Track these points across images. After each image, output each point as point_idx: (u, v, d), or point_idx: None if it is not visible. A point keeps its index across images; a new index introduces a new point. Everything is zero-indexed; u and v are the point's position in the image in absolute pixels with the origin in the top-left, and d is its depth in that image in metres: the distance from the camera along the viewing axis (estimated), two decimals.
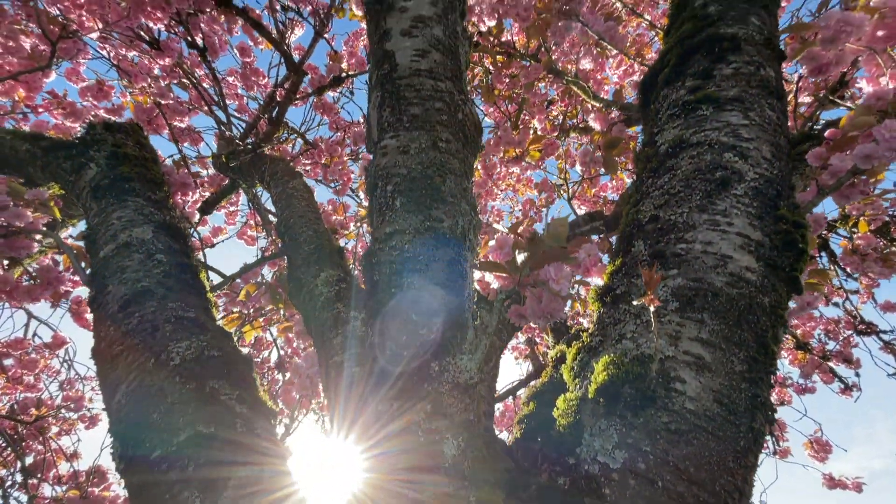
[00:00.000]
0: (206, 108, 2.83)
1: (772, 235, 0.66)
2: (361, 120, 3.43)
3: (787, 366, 3.15)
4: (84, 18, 1.81)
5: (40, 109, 1.88)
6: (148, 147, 1.35)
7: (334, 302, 0.97)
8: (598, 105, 1.44)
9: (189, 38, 2.41)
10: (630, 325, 0.66)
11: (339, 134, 3.36)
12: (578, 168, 1.75)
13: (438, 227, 0.61)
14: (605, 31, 1.37)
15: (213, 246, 2.61)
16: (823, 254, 2.64)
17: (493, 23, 1.45)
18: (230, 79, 3.18)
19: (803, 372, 2.94)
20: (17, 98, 1.85)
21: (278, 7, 2.64)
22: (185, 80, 2.78)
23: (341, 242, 3.42)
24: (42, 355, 3.22)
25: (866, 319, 2.83)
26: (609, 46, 1.38)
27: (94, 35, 1.86)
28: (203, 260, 1.86)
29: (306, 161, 3.32)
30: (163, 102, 2.32)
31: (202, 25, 2.49)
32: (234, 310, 1.53)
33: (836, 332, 2.98)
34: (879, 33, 0.96)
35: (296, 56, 3.38)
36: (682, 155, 0.81)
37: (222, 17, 2.32)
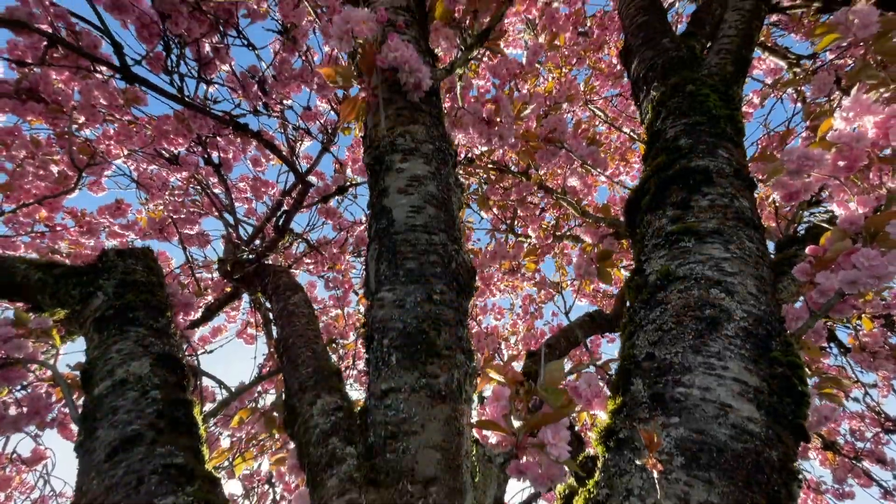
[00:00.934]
0: (216, 213, 2.97)
1: (769, 380, 0.66)
2: (363, 219, 3.58)
3: (818, 468, 2.93)
4: (111, 146, 1.98)
5: (58, 228, 1.98)
6: (156, 270, 1.40)
7: (330, 435, 0.93)
8: (587, 220, 1.52)
9: (206, 156, 2.62)
10: (637, 479, 0.63)
11: (342, 234, 3.50)
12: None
13: (434, 384, 0.61)
14: (587, 154, 1.49)
15: (210, 352, 2.57)
16: (832, 345, 2.58)
17: (485, 148, 1.59)
18: (241, 184, 3.39)
19: (836, 476, 2.72)
20: (38, 217, 1.96)
21: (289, 125, 2.89)
22: (197, 187, 2.96)
23: (341, 339, 3.37)
24: (18, 470, 3.02)
25: (892, 416, 2.69)
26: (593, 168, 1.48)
27: (119, 160, 2.02)
28: (198, 364, 1.83)
29: (309, 261, 3.41)
30: (175, 217, 2.45)
31: (219, 140, 2.72)
32: (226, 433, 1.47)
33: (862, 429, 2.81)
34: (840, 163, 1.05)
35: (304, 164, 3.61)
36: (670, 288, 0.84)
37: (238, 138, 2.54)
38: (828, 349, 2.56)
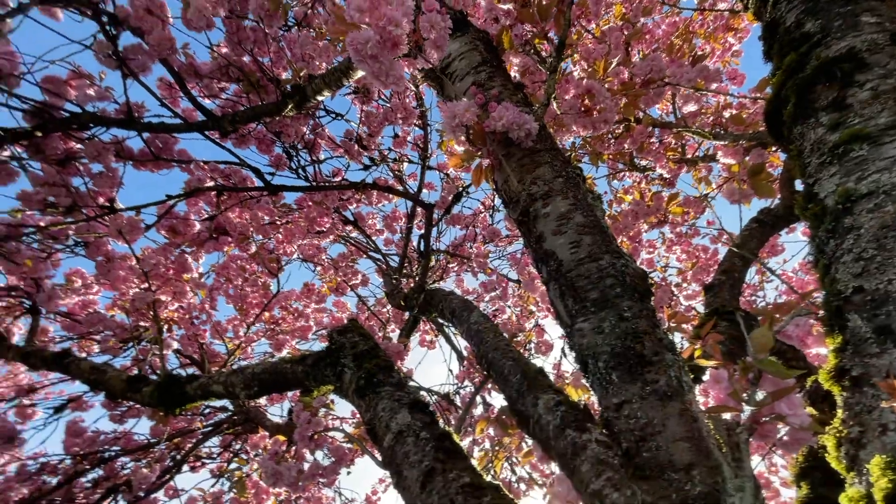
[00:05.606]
0: (364, 256, 3.43)
1: None
2: (481, 206, 3.75)
3: None
4: (285, 247, 2.47)
5: (280, 322, 2.54)
6: (368, 335, 1.75)
7: (563, 428, 1.11)
8: (721, 143, 1.41)
9: (344, 219, 3.05)
10: (888, 415, 0.66)
11: (469, 230, 3.72)
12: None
13: (658, 388, 0.72)
14: (696, 76, 1.40)
15: (412, 369, 3.03)
16: None
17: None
18: (370, 221, 3.83)
19: None
20: (265, 319, 2.53)
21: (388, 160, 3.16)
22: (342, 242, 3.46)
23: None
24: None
25: None
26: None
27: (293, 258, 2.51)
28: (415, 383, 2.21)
29: (453, 265, 3.72)
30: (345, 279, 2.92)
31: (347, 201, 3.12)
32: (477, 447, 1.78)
33: None
34: None
35: (412, 182, 3.90)
36: (857, 210, 0.80)
37: (363, 194, 2.90)
38: None
